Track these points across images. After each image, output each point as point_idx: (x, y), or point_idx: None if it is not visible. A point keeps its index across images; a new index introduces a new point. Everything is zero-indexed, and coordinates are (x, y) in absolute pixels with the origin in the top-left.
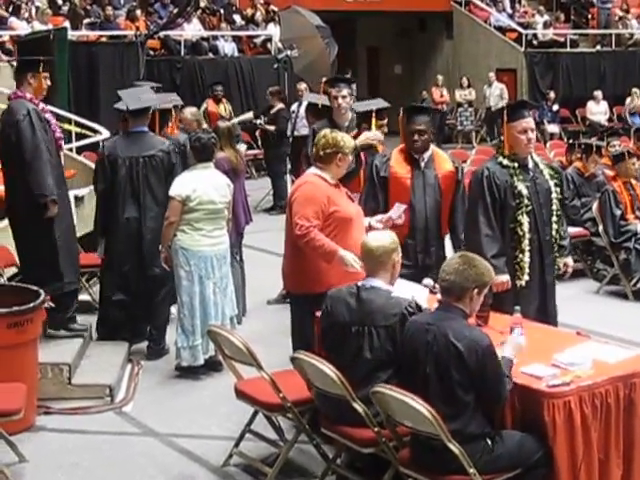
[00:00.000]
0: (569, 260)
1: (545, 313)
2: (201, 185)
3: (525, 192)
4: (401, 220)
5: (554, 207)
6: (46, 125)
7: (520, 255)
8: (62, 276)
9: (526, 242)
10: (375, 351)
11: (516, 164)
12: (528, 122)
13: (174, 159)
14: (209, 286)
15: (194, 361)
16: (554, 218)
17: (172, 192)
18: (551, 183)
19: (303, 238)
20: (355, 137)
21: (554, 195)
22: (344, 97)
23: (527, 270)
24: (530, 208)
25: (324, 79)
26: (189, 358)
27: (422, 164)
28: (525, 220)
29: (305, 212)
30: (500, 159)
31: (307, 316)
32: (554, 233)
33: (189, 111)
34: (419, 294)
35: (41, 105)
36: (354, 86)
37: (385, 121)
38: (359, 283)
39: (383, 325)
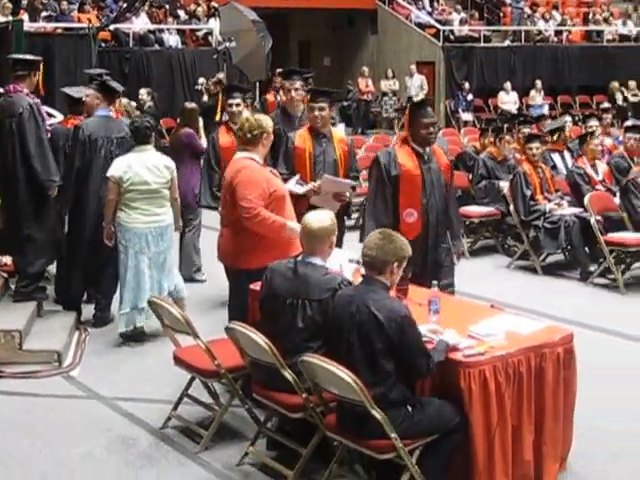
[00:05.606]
0: None
1: None
2: (134, 167)
3: None
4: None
5: None
6: (42, 118)
7: None
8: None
9: None
10: (307, 322)
11: None
12: None
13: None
14: (143, 260)
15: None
16: None
17: (108, 173)
18: None
19: (254, 219)
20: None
21: None
22: (297, 90)
23: None
24: None
25: (278, 71)
26: (121, 325)
27: (426, 157)
28: None
29: (251, 195)
30: None
31: (244, 289)
32: None
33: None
34: (346, 265)
35: (36, 99)
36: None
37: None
38: (298, 258)
39: (317, 299)
